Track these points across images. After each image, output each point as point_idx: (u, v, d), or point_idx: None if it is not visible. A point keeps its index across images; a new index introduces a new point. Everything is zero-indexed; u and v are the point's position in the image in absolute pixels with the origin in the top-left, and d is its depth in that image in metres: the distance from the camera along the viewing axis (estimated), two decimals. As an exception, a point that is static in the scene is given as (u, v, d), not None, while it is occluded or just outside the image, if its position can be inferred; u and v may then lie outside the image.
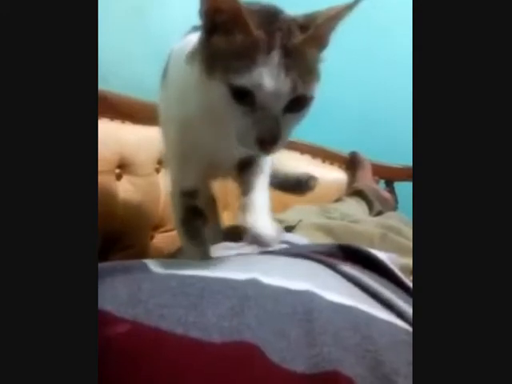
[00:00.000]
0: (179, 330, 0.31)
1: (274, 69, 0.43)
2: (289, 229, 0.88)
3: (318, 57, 0.47)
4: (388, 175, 1.54)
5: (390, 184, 1.54)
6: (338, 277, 0.48)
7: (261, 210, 0.53)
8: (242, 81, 0.43)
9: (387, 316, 0.41)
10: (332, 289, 0.43)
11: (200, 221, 0.62)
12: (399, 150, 1.66)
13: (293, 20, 0.46)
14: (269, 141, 0.45)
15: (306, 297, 0.39)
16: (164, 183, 0.94)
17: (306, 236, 0.82)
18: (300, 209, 1.08)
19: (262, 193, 0.57)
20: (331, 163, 1.45)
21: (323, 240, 0.83)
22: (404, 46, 1.70)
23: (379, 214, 1.25)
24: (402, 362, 0.33)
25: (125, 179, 0.86)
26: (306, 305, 0.37)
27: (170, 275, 0.42)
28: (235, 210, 0.65)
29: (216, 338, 0.31)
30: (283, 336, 0.33)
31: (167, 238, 0.94)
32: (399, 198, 1.52)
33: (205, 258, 0.60)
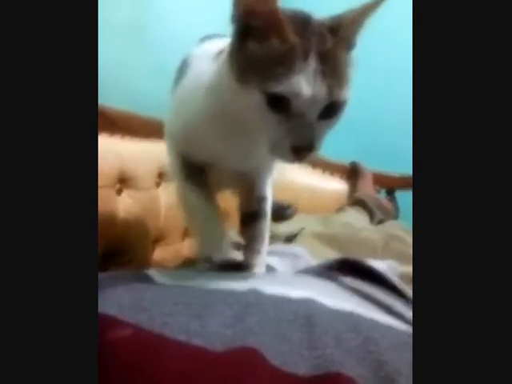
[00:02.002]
0: (182, 338, 0.32)
1: (310, 75, 0.42)
2: (291, 238, 0.88)
3: (348, 59, 0.46)
4: (389, 184, 1.54)
5: (391, 193, 1.54)
6: (338, 287, 0.48)
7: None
8: (279, 88, 0.42)
9: (388, 319, 0.42)
10: (332, 297, 0.43)
11: (202, 174, 0.59)
12: (400, 159, 1.66)
13: (322, 23, 0.45)
14: (305, 149, 0.44)
15: (307, 303, 0.40)
16: (164, 197, 0.94)
17: (307, 245, 0.82)
18: (302, 219, 1.08)
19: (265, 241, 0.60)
20: (332, 174, 1.45)
21: (325, 249, 0.83)
22: (404, 55, 1.72)
23: (380, 223, 1.24)
24: (403, 363, 0.33)
25: (125, 193, 0.86)
26: (306, 310, 0.38)
27: (172, 285, 0.42)
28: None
29: (218, 345, 0.31)
30: (284, 340, 0.33)
31: (168, 252, 0.94)
32: (400, 207, 1.52)
33: (207, 205, 0.58)
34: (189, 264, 0.76)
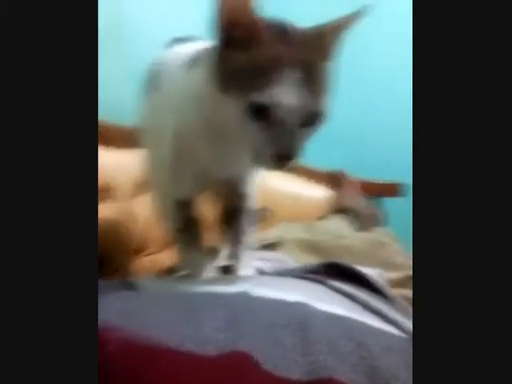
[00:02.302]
0: (174, 344, 0.32)
1: (291, 85, 0.43)
2: (272, 246, 0.87)
3: (328, 70, 0.47)
4: (375, 192, 1.54)
5: (377, 200, 1.55)
6: (328, 290, 0.49)
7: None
8: (260, 98, 0.42)
9: (380, 324, 0.42)
10: (324, 300, 0.43)
11: (197, 229, 0.61)
12: (386, 166, 1.67)
13: (303, 34, 0.46)
14: (286, 156, 0.45)
15: (299, 307, 0.39)
16: (142, 207, 0.93)
17: (290, 252, 0.81)
18: (285, 226, 1.07)
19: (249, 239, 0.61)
20: (316, 181, 1.45)
21: (309, 256, 0.83)
22: (387, 60, 1.74)
23: (366, 230, 1.24)
24: (397, 368, 0.33)
25: (104, 204, 0.85)
26: (299, 315, 0.38)
27: (161, 291, 0.42)
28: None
29: (211, 350, 0.31)
30: (277, 345, 0.33)
31: (149, 262, 0.92)
32: (387, 214, 1.52)
33: (205, 267, 0.60)
34: (171, 272, 0.75)
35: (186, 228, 0.59)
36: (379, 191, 1.57)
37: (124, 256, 0.88)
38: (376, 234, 1.07)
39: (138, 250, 0.92)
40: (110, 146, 0.90)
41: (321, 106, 0.45)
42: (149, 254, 0.93)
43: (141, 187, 0.94)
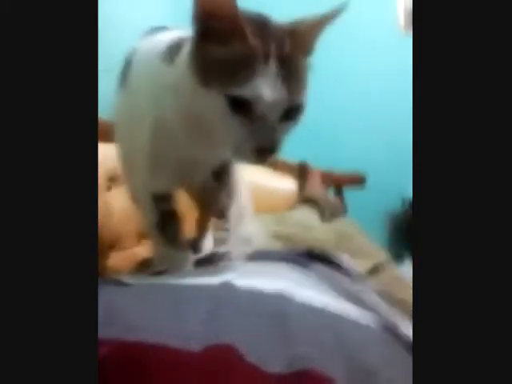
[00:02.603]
0: (160, 341, 0.31)
1: (271, 79, 0.42)
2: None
3: (306, 64, 0.47)
4: (336, 182, 1.58)
5: (338, 191, 1.59)
6: (310, 274, 0.49)
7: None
8: (241, 92, 0.42)
9: (359, 312, 0.43)
10: (305, 287, 0.43)
11: (177, 224, 0.59)
12: (346, 156, 1.72)
13: (281, 28, 0.46)
14: (267, 150, 0.45)
15: (280, 299, 0.40)
16: (116, 200, 0.92)
17: (264, 245, 0.83)
18: (254, 218, 1.09)
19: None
20: (283, 173, 1.47)
21: (282, 248, 0.84)
22: (356, 59, 1.78)
23: (330, 220, 1.28)
24: (377, 358, 0.34)
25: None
26: (281, 306, 0.38)
27: (144, 286, 0.41)
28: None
29: (195, 345, 0.31)
30: (259, 337, 0.34)
31: (123, 257, 0.92)
32: (349, 205, 1.57)
33: (185, 263, 0.58)
34: (146, 265, 0.75)
35: (164, 222, 0.58)
36: (340, 182, 1.61)
37: (98, 251, 0.87)
38: (342, 225, 1.11)
39: (112, 245, 0.91)
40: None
41: (301, 99, 0.46)
42: (123, 249, 0.93)
43: (114, 180, 0.94)
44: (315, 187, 1.44)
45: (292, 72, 0.44)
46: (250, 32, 0.43)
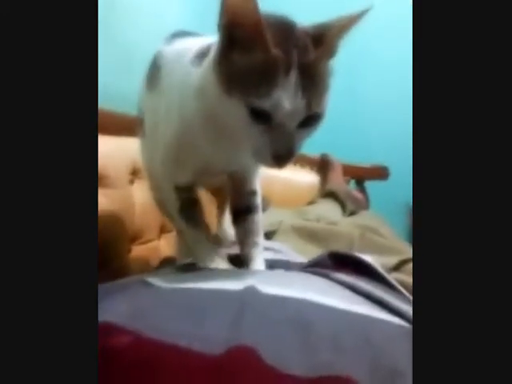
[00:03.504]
0: (181, 343, 0.32)
1: (291, 90, 0.43)
2: (269, 234, 0.88)
3: (329, 69, 0.47)
4: (358, 175, 1.57)
5: (360, 183, 1.57)
6: (332, 283, 0.49)
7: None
8: (261, 104, 0.43)
9: (383, 315, 0.42)
10: (327, 294, 0.43)
11: (198, 209, 0.61)
12: (368, 149, 1.70)
13: (306, 34, 0.46)
14: (284, 157, 0.46)
15: (303, 304, 0.40)
16: (138, 194, 0.92)
17: (288, 240, 0.83)
18: (276, 212, 1.08)
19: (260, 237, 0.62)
20: (302, 166, 1.46)
21: (305, 244, 0.84)
22: (374, 48, 1.75)
23: (352, 213, 1.27)
24: (402, 359, 0.33)
25: (98, 192, 0.84)
26: (302, 311, 0.38)
27: (170, 289, 0.42)
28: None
29: (217, 348, 0.32)
30: (281, 341, 0.33)
31: (145, 250, 0.92)
32: (370, 197, 1.55)
33: (212, 247, 0.60)
34: (170, 263, 0.75)
35: (187, 208, 0.60)
36: (363, 175, 1.59)
37: (119, 244, 0.87)
38: (365, 219, 1.10)
39: (134, 239, 0.92)
40: (103, 133, 0.89)
41: (321, 107, 0.46)
42: (145, 242, 0.94)
43: (137, 174, 0.94)
44: (337, 180, 1.43)
45: (314, 80, 0.45)
46: (272, 40, 0.43)
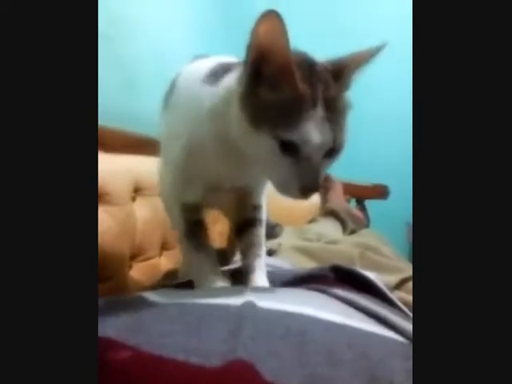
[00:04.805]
0: (180, 357, 0.32)
1: (319, 123, 0.45)
2: (270, 252, 0.88)
3: (347, 101, 0.49)
4: (359, 194, 1.57)
5: (360, 202, 1.57)
6: (330, 298, 0.49)
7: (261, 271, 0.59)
8: (291, 136, 0.44)
9: (380, 330, 0.42)
10: (325, 309, 0.43)
11: (203, 232, 0.61)
12: (368, 168, 1.71)
13: (326, 69, 0.47)
14: (311, 188, 0.47)
15: (301, 318, 0.40)
16: (140, 211, 0.93)
17: (287, 259, 0.82)
18: (278, 231, 1.09)
19: (262, 252, 0.62)
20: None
21: (305, 263, 0.84)
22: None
23: (352, 232, 1.27)
24: (399, 375, 0.33)
25: (100, 209, 0.84)
26: (299, 325, 0.38)
27: (168, 304, 0.42)
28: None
29: (215, 361, 0.32)
30: (277, 356, 0.34)
31: (145, 267, 0.92)
32: (370, 216, 1.55)
33: (214, 270, 0.60)
34: (171, 277, 0.75)
35: (191, 230, 0.60)
36: (363, 193, 1.59)
37: (120, 261, 0.87)
38: (366, 237, 1.10)
39: (135, 256, 0.92)
40: (106, 150, 0.90)
41: (343, 140, 0.48)
42: (146, 259, 0.94)
43: (138, 191, 0.94)
44: (338, 199, 1.43)
45: (337, 113, 0.47)
46: (299, 78, 0.44)
